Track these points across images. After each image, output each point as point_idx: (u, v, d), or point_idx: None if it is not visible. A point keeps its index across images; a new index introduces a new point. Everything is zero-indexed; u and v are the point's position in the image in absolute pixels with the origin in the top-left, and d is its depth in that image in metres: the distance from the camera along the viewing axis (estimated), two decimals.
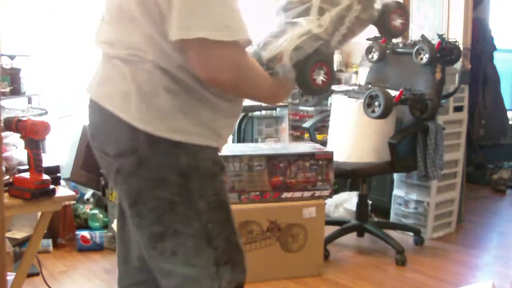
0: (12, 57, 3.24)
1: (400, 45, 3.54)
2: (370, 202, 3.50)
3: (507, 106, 5.41)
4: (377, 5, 1.62)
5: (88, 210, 3.44)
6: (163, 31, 1.29)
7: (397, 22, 1.69)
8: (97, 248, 3.21)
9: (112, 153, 1.37)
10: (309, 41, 1.46)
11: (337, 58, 4.38)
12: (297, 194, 2.88)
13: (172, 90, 1.33)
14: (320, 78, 1.49)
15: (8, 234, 2.98)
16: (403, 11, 1.70)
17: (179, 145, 1.33)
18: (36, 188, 2.03)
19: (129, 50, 1.34)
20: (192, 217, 1.38)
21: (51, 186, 2.09)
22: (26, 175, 2.05)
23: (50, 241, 3.20)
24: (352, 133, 3.18)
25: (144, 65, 1.32)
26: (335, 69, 4.37)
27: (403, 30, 1.73)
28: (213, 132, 1.38)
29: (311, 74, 1.47)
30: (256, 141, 3.97)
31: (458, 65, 3.60)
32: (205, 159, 1.38)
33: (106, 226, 3.37)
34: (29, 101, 3.39)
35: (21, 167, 2.23)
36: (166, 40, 1.29)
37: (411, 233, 3.49)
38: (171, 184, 1.35)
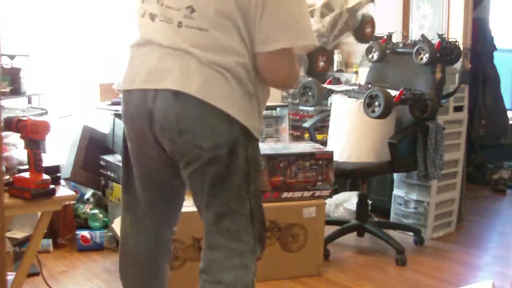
0: (12, 57, 3.24)
1: (400, 45, 3.54)
2: (370, 202, 3.50)
3: (507, 106, 5.41)
4: (359, 15, 2.15)
5: (88, 210, 3.44)
6: (251, 35, 1.58)
7: (368, 30, 2.31)
8: (97, 248, 3.21)
9: (210, 146, 1.59)
10: (317, 37, 1.85)
11: (337, 58, 4.39)
12: (297, 194, 2.88)
13: (251, 93, 1.64)
14: (321, 64, 2.05)
15: (8, 234, 2.98)
16: (373, 22, 2.31)
17: (253, 139, 1.66)
18: (36, 188, 2.03)
19: (227, 55, 1.59)
20: (246, 200, 1.67)
21: (51, 186, 2.09)
22: (26, 175, 2.05)
23: (50, 241, 3.20)
24: (352, 133, 3.18)
25: (239, 69, 1.59)
26: (335, 69, 4.37)
27: (371, 37, 2.43)
28: (260, 129, 1.72)
29: (317, 61, 2.01)
30: None
31: (458, 65, 3.60)
32: (258, 152, 1.71)
33: (106, 226, 3.37)
34: (29, 101, 3.39)
35: (21, 167, 2.23)
36: (252, 46, 1.60)
37: (411, 233, 3.49)
38: (242, 170, 1.64)
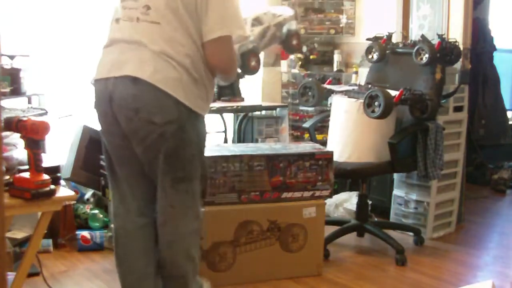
0: (12, 57, 3.23)
1: (400, 45, 3.54)
2: (370, 202, 3.50)
3: (507, 106, 5.41)
4: (285, 29, 2.52)
5: (88, 210, 3.44)
6: (198, 31, 1.99)
7: (294, 42, 2.57)
8: (97, 248, 3.21)
9: (160, 121, 1.97)
10: (248, 43, 2.32)
11: (337, 58, 4.39)
12: (297, 194, 2.88)
13: (197, 79, 2.02)
14: (253, 63, 2.37)
15: (8, 234, 2.98)
16: (298, 35, 2.60)
17: (199, 116, 2.07)
18: (36, 188, 2.03)
19: (174, 47, 1.97)
20: (199, 166, 2.11)
21: (51, 186, 2.09)
22: (26, 175, 2.06)
23: (50, 241, 3.19)
24: (352, 133, 3.18)
25: (185, 58, 1.98)
26: (335, 69, 4.37)
27: (299, 48, 2.88)
28: (208, 107, 2.14)
29: (249, 60, 2.35)
30: (256, 141, 3.97)
31: (458, 65, 3.59)
32: (204, 126, 2.14)
33: (106, 226, 3.37)
34: (29, 101, 3.39)
35: (21, 167, 2.23)
36: (198, 38, 2.00)
37: (411, 233, 3.49)
38: (194, 142, 2.06)
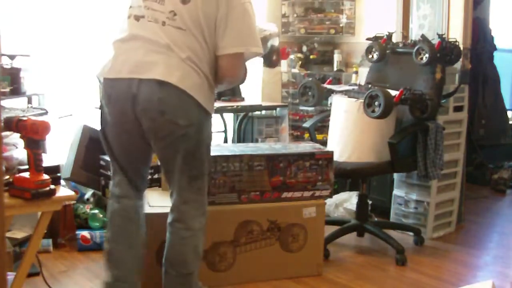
0: (12, 57, 3.23)
1: (400, 45, 3.54)
2: (370, 202, 3.50)
3: (507, 106, 5.42)
4: (269, 44, 2.66)
5: (88, 210, 3.44)
6: (212, 42, 2.14)
7: (275, 57, 2.74)
8: (97, 248, 3.21)
9: (184, 123, 2.11)
10: None
11: (337, 58, 4.39)
12: (297, 194, 2.88)
13: (212, 85, 2.20)
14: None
15: (8, 234, 2.98)
16: (278, 52, 2.77)
17: (210, 118, 2.25)
18: (36, 188, 2.03)
19: (198, 54, 2.12)
20: (208, 165, 2.29)
21: (51, 186, 2.09)
22: (26, 175, 2.05)
23: (50, 241, 3.19)
24: (352, 133, 3.18)
25: (206, 66, 2.15)
26: (335, 69, 4.37)
27: (278, 63, 2.92)
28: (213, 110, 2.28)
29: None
30: (256, 141, 3.97)
31: (458, 65, 3.60)
32: (212, 126, 2.30)
33: (106, 226, 3.37)
34: (29, 101, 3.39)
35: (21, 167, 2.23)
36: (212, 48, 2.15)
37: (411, 233, 3.49)
38: (205, 143, 2.23)
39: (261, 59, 2.95)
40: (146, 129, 2.15)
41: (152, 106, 2.09)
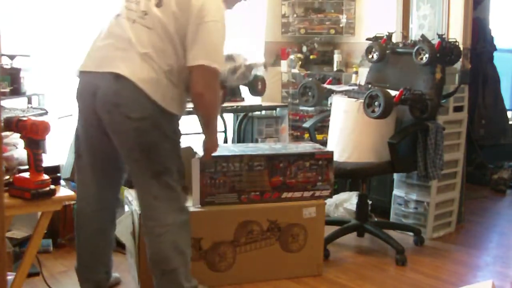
0: (12, 57, 3.23)
1: (400, 45, 3.54)
2: (370, 202, 3.50)
3: (507, 106, 5.41)
4: (253, 72, 2.89)
5: None
6: (181, 54, 2.21)
7: (259, 87, 3.02)
8: None
9: (135, 117, 2.15)
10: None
11: (337, 58, 4.39)
12: (297, 194, 2.88)
13: (175, 84, 2.23)
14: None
15: (8, 234, 2.98)
16: (264, 81, 3.06)
17: (174, 116, 2.25)
18: (36, 188, 2.03)
19: (157, 52, 2.18)
20: (176, 160, 2.28)
21: (51, 186, 2.09)
22: (26, 175, 2.05)
23: (50, 241, 3.20)
24: (352, 133, 3.18)
25: (166, 65, 2.19)
26: (335, 69, 4.37)
27: (262, 92, 3.18)
28: (183, 111, 2.32)
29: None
30: (256, 141, 3.97)
31: (458, 65, 3.60)
32: (179, 126, 2.32)
33: None
34: (29, 101, 3.38)
35: (21, 167, 2.23)
36: (183, 58, 2.21)
37: (411, 233, 3.49)
38: (170, 138, 2.25)
39: (246, 87, 3.19)
40: (105, 124, 2.21)
41: (108, 98, 2.17)
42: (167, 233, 2.27)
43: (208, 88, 2.22)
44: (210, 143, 2.45)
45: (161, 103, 2.17)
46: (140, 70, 2.16)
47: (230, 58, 2.79)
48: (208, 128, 2.40)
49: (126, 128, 2.17)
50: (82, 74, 2.28)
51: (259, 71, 2.86)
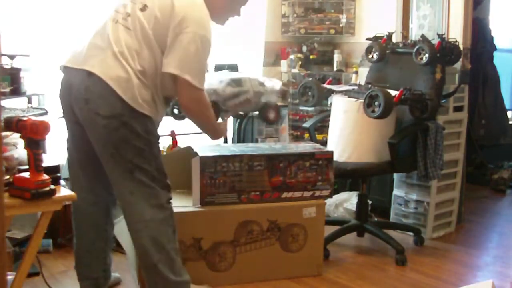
0: (12, 57, 3.23)
1: (400, 45, 3.54)
2: (370, 202, 3.50)
3: (507, 106, 5.41)
4: (263, 99, 2.84)
5: None
6: (160, 59, 2.23)
7: (272, 116, 2.90)
8: None
9: (104, 114, 2.17)
10: (211, 93, 2.79)
11: (337, 58, 4.39)
12: (297, 194, 2.88)
13: (148, 86, 2.23)
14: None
15: (8, 234, 2.98)
16: (277, 108, 2.87)
17: (147, 117, 2.23)
18: (36, 188, 2.03)
19: (131, 53, 2.20)
20: (151, 160, 2.27)
21: (51, 186, 2.09)
22: (26, 175, 2.05)
23: (50, 241, 3.20)
24: (352, 133, 3.18)
25: (139, 66, 2.21)
26: (335, 69, 4.37)
27: (275, 121, 2.97)
28: (158, 114, 2.32)
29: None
30: (256, 141, 3.96)
31: (458, 65, 3.60)
32: (155, 127, 2.31)
33: None
34: (29, 101, 3.38)
35: (21, 167, 2.23)
36: (159, 63, 2.23)
37: (411, 233, 3.49)
38: (142, 137, 2.23)
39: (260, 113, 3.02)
40: (80, 120, 2.27)
41: (80, 95, 2.21)
42: (146, 228, 2.28)
43: (191, 101, 2.29)
44: (214, 138, 2.57)
45: (131, 102, 2.18)
46: (111, 68, 2.19)
47: (237, 82, 2.73)
48: (206, 132, 2.51)
49: (96, 124, 2.20)
50: (64, 69, 2.35)
51: (272, 98, 2.77)
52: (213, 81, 2.88)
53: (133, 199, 2.28)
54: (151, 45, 2.23)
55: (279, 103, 3.41)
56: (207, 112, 2.38)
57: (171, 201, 2.37)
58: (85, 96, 2.20)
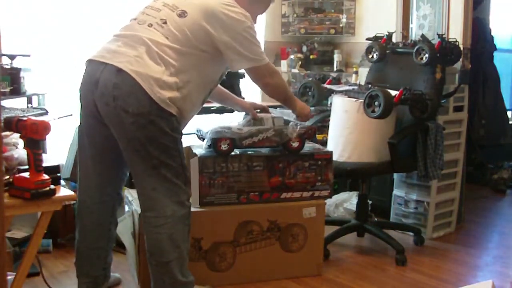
0: (12, 57, 3.23)
1: (400, 45, 3.54)
2: (370, 202, 3.50)
3: (507, 106, 5.41)
4: (286, 135, 2.79)
5: None
6: (203, 60, 2.34)
7: (295, 143, 2.80)
8: None
9: (133, 111, 2.18)
10: (230, 131, 2.75)
11: (337, 58, 4.39)
12: (296, 194, 2.88)
13: (180, 87, 2.27)
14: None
15: (8, 234, 2.98)
16: (300, 140, 2.81)
17: (174, 115, 2.26)
18: (36, 188, 2.03)
19: (168, 54, 2.24)
20: (177, 156, 2.30)
21: (51, 186, 2.09)
22: (26, 175, 2.06)
23: (50, 241, 3.20)
24: (352, 133, 3.18)
25: (172, 67, 2.25)
26: (335, 69, 4.38)
27: (298, 150, 2.84)
28: (184, 114, 2.34)
29: (219, 144, 2.73)
30: None
31: (458, 65, 3.59)
32: (179, 125, 2.32)
33: None
34: (29, 101, 3.39)
35: (21, 167, 2.23)
36: (198, 66, 2.33)
37: (411, 233, 3.49)
38: (168, 135, 2.26)
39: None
40: (103, 115, 2.25)
41: (107, 91, 2.20)
42: (165, 225, 2.29)
43: (266, 77, 2.50)
44: (297, 112, 2.78)
45: (159, 102, 2.20)
46: (142, 68, 2.19)
47: (258, 120, 2.80)
48: (288, 104, 2.76)
49: (123, 121, 2.20)
50: (89, 62, 2.32)
51: (293, 133, 2.77)
52: (233, 119, 2.93)
53: (155, 194, 2.29)
54: (190, 48, 2.28)
55: None
56: (282, 82, 2.67)
57: (190, 200, 2.39)
58: (113, 92, 2.19)
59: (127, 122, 2.19)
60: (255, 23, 2.53)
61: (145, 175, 2.28)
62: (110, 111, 2.22)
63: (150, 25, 2.29)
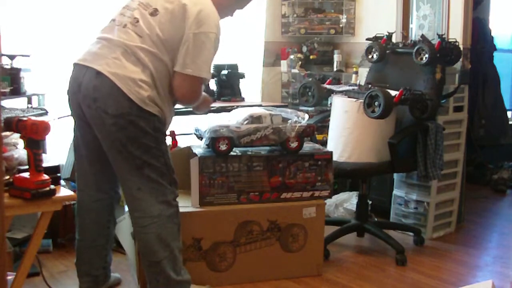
0: (12, 57, 3.23)
1: (400, 45, 3.54)
2: (370, 202, 3.50)
3: (507, 106, 5.41)
4: (285, 133, 2.80)
5: None
6: (168, 60, 2.30)
7: (294, 144, 2.79)
8: None
9: (112, 113, 2.22)
10: (227, 130, 2.75)
11: (337, 58, 4.39)
12: (296, 194, 2.88)
13: (157, 86, 2.30)
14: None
15: (8, 234, 2.98)
16: (299, 139, 2.79)
17: (155, 115, 2.29)
18: (36, 188, 2.03)
19: (142, 57, 2.26)
20: (160, 155, 2.32)
21: (51, 186, 2.09)
22: (26, 175, 2.05)
23: (50, 241, 3.20)
24: (352, 133, 3.18)
25: (151, 66, 2.27)
26: (335, 69, 4.37)
27: (297, 151, 2.83)
28: (166, 113, 2.37)
29: (217, 144, 2.73)
30: None
31: (458, 65, 3.60)
32: (162, 124, 2.35)
33: None
34: (29, 101, 3.38)
35: (21, 167, 2.23)
36: (170, 65, 2.31)
37: (411, 233, 3.49)
38: (150, 135, 2.28)
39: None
40: (87, 117, 2.30)
41: (88, 93, 2.26)
42: (152, 224, 2.32)
43: (192, 93, 2.39)
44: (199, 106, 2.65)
45: (138, 102, 2.23)
46: (120, 69, 2.24)
47: (256, 118, 2.77)
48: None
49: (105, 122, 2.25)
50: (74, 66, 2.37)
51: (291, 132, 2.77)
52: (231, 117, 2.89)
53: (140, 194, 2.31)
54: (161, 48, 2.29)
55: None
56: (200, 97, 2.50)
57: (177, 199, 2.41)
58: (93, 95, 2.24)
59: (108, 123, 2.24)
60: (231, 16, 2.55)
61: (130, 175, 2.31)
62: (92, 113, 2.27)
63: (125, 26, 2.33)
